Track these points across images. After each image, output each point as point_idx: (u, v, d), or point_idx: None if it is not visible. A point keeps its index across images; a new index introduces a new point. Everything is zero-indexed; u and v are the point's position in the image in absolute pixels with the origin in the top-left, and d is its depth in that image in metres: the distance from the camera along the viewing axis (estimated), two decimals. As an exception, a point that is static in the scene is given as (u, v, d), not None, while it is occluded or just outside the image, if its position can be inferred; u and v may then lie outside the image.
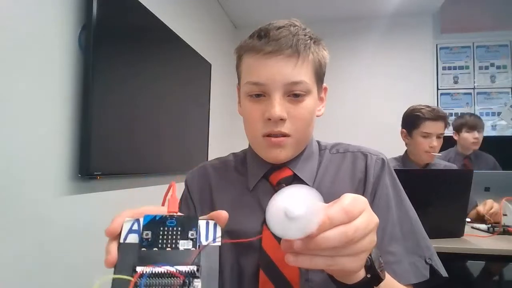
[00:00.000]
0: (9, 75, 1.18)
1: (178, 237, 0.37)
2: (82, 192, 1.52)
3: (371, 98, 3.46)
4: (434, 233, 1.37)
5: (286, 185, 0.64)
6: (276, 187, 0.66)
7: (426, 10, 3.38)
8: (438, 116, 1.65)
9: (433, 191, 1.38)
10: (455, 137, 2.41)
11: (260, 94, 0.62)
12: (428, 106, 1.68)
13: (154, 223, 0.38)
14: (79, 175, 1.45)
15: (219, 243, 0.38)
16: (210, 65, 2.86)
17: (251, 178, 0.69)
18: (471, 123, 2.28)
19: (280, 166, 0.67)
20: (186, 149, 2.46)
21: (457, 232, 1.43)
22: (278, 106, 0.59)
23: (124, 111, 1.71)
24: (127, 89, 1.74)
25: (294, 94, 0.61)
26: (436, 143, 1.65)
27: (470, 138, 2.28)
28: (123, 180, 1.82)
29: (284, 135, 0.61)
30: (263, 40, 0.61)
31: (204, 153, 2.80)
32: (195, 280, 0.35)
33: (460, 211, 1.42)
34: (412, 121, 1.72)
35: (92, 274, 1.53)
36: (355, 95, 3.50)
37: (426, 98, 3.33)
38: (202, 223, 0.39)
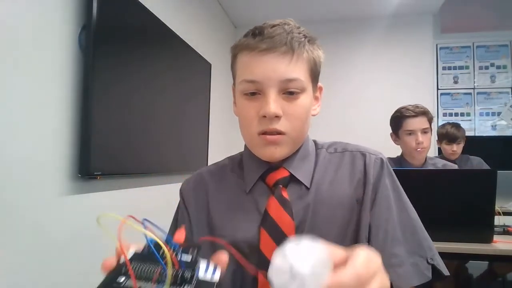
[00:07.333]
0: (9, 75, 1.18)
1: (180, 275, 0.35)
2: (82, 192, 1.51)
3: (371, 98, 3.45)
4: (457, 237, 1.38)
5: (283, 186, 0.65)
6: (273, 188, 0.65)
7: (426, 10, 3.38)
8: (417, 112, 1.65)
9: (454, 192, 1.39)
10: (438, 145, 2.58)
11: (255, 93, 0.62)
12: (410, 105, 1.70)
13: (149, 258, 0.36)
14: (79, 175, 1.45)
15: (217, 281, 0.36)
16: (210, 65, 2.86)
17: (247, 181, 0.68)
18: (451, 135, 2.44)
19: (276, 167, 0.66)
20: (186, 149, 2.46)
21: (485, 238, 1.41)
22: (273, 103, 0.59)
23: (124, 111, 1.71)
24: (127, 89, 1.74)
25: (289, 92, 0.61)
26: (422, 138, 1.64)
27: (449, 149, 2.47)
28: (123, 180, 1.81)
29: (280, 133, 0.61)
30: (257, 38, 0.61)
31: (204, 153, 2.80)
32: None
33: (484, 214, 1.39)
34: (395, 122, 1.74)
35: (92, 274, 1.52)
36: (355, 95, 3.50)
37: (426, 98, 3.33)
38: (202, 263, 0.37)
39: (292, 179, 0.66)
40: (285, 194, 0.64)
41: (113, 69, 1.61)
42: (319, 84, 0.69)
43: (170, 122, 2.21)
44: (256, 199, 0.66)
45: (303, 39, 0.62)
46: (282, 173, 0.66)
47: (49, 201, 1.35)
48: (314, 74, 0.65)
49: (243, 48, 0.63)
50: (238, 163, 0.73)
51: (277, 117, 0.60)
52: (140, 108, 1.85)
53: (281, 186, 0.65)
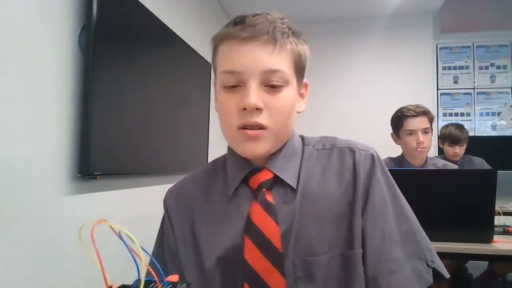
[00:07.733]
0: (9, 75, 1.18)
1: None
2: (82, 192, 1.51)
3: (371, 98, 3.45)
4: (457, 237, 1.38)
5: (268, 189, 0.61)
6: (256, 192, 0.61)
7: (426, 10, 3.38)
8: (418, 112, 1.65)
9: (454, 192, 1.39)
10: (441, 145, 2.59)
11: (236, 85, 0.58)
12: (411, 104, 1.70)
13: None
14: (79, 175, 1.45)
15: None
16: (210, 65, 2.86)
17: (230, 184, 0.65)
18: (454, 137, 2.43)
19: (259, 169, 0.62)
20: (186, 149, 2.46)
21: (485, 238, 1.40)
22: (254, 95, 0.56)
23: (124, 111, 1.71)
24: (127, 89, 1.74)
25: (271, 84, 0.57)
26: (423, 138, 1.64)
27: (451, 151, 2.47)
28: (123, 180, 1.81)
29: (261, 127, 0.57)
30: (238, 27, 0.58)
31: (204, 153, 2.80)
32: None
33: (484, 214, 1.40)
34: (396, 122, 1.74)
35: (92, 274, 1.52)
36: (355, 95, 3.50)
37: (426, 98, 3.32)
38: None
39: (276, 181, 0.62)
40: (269, 198, 0.60)
41: (113, 69, 1.61)
42: (305, 80, 0.65)
43: (170, 122, 2.21)
44: (238, 204, 0.62)
45: (286, 30, 0.59)
46: (265, 175, 0.61)
47: (49, 201, 1.34)
48: (299, 68, 0.62)
49: (224, 38, 0.60)
50: (222, 166, 0.69)
51: (258, 109, 0.56)
52: (140, 108, 1.85)
53: (264, 189, 0.61)
